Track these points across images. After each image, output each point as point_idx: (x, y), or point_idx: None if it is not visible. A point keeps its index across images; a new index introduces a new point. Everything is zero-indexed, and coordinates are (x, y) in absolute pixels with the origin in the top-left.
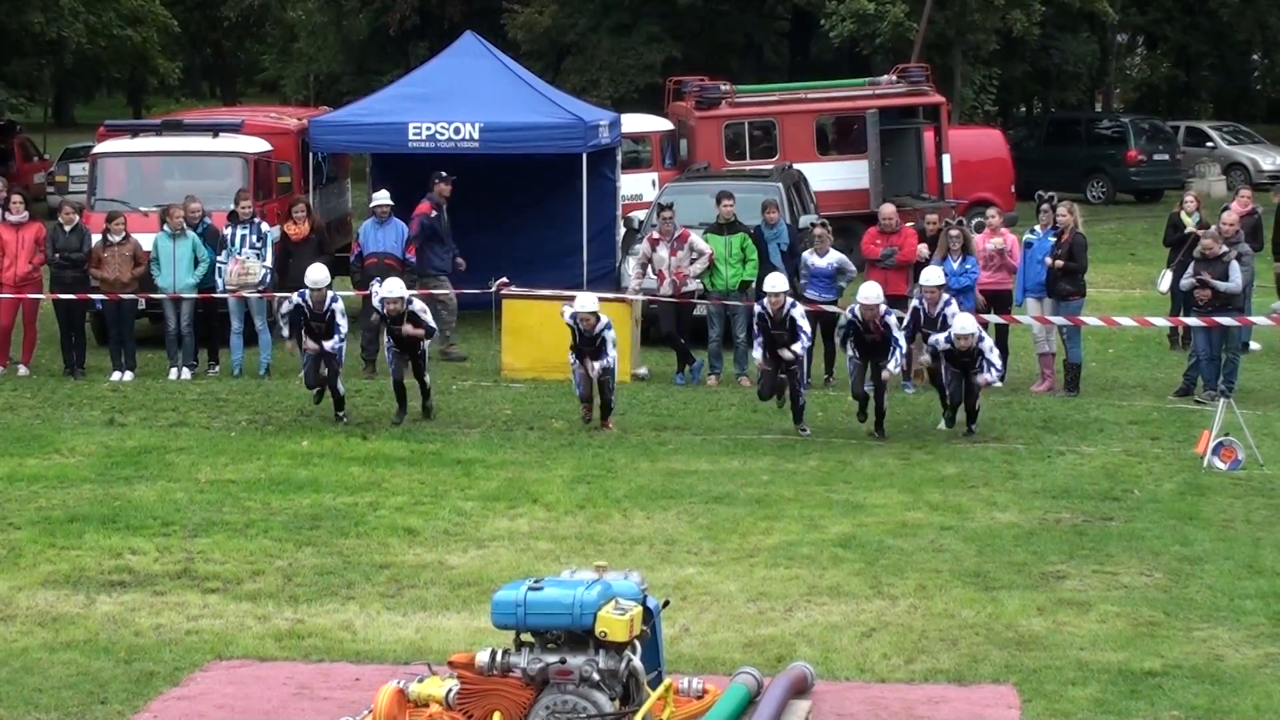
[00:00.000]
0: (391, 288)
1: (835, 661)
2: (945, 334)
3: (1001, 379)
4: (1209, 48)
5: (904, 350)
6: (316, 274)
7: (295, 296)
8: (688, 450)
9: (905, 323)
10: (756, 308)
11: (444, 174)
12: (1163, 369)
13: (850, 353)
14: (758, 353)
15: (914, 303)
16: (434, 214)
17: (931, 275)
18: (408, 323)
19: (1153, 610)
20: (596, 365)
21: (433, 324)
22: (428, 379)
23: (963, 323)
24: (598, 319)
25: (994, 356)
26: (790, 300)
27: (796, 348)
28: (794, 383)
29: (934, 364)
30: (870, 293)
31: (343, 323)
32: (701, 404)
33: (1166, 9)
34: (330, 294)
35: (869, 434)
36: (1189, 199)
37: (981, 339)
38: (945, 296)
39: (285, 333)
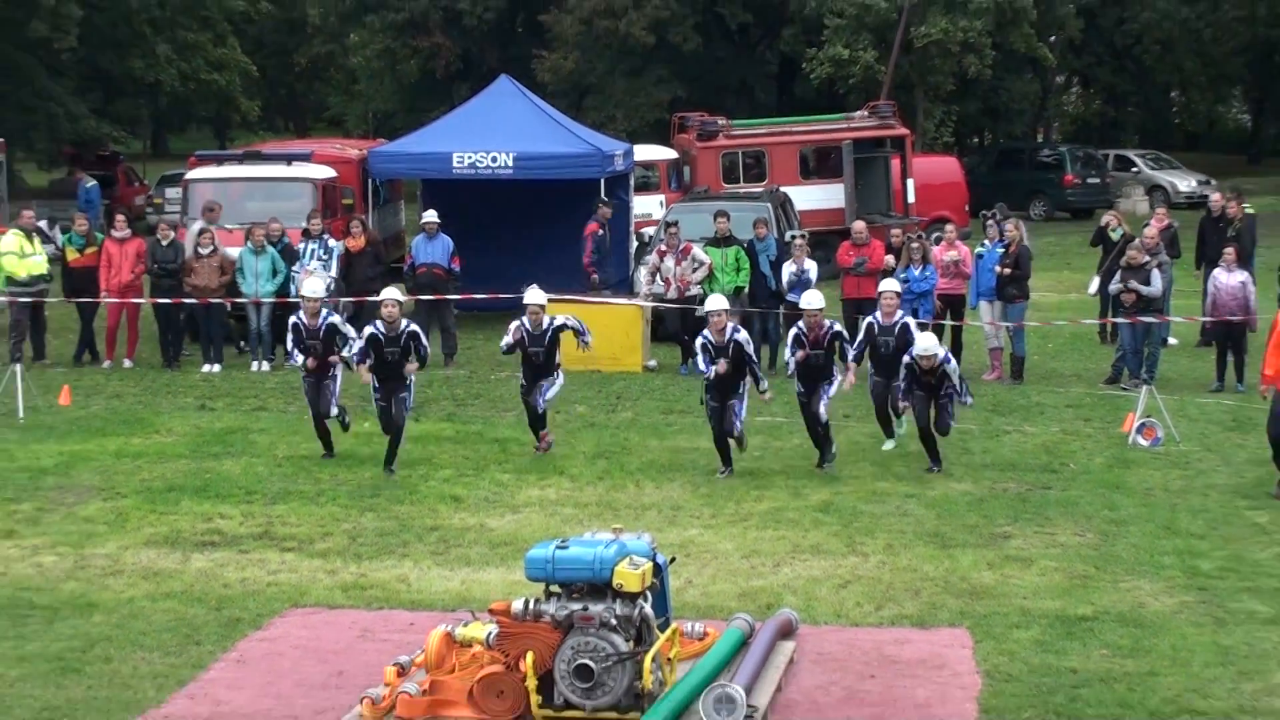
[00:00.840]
0: (313, 286)
1: (816, 609)
2: (912, 353)
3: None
4: (1134, 87)
5: (848, 373)
6: (310, 286)
7: (293, 317)
8: (691, 430)
9: (859, 339)
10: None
11: (605, 198)
12: (1094, 361)
13: (792, 369)
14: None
15: (868, 318)
16: (601, 232)
17: (888, 284)
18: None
19: (1085, 565)
20: (544, 385)
21: (425, 349)
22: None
23: (925, 343)
24: (543, 310)
25: (957, 379)
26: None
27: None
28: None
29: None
30: (812, 300)
31: (347, 331)
32: (701, 388)
33: (1098, 54)
34: (324, 311)
35: (815, 467)
36: (1111, 217)
37: (947, 360)
38: (900, 314)
39: (289, 347)
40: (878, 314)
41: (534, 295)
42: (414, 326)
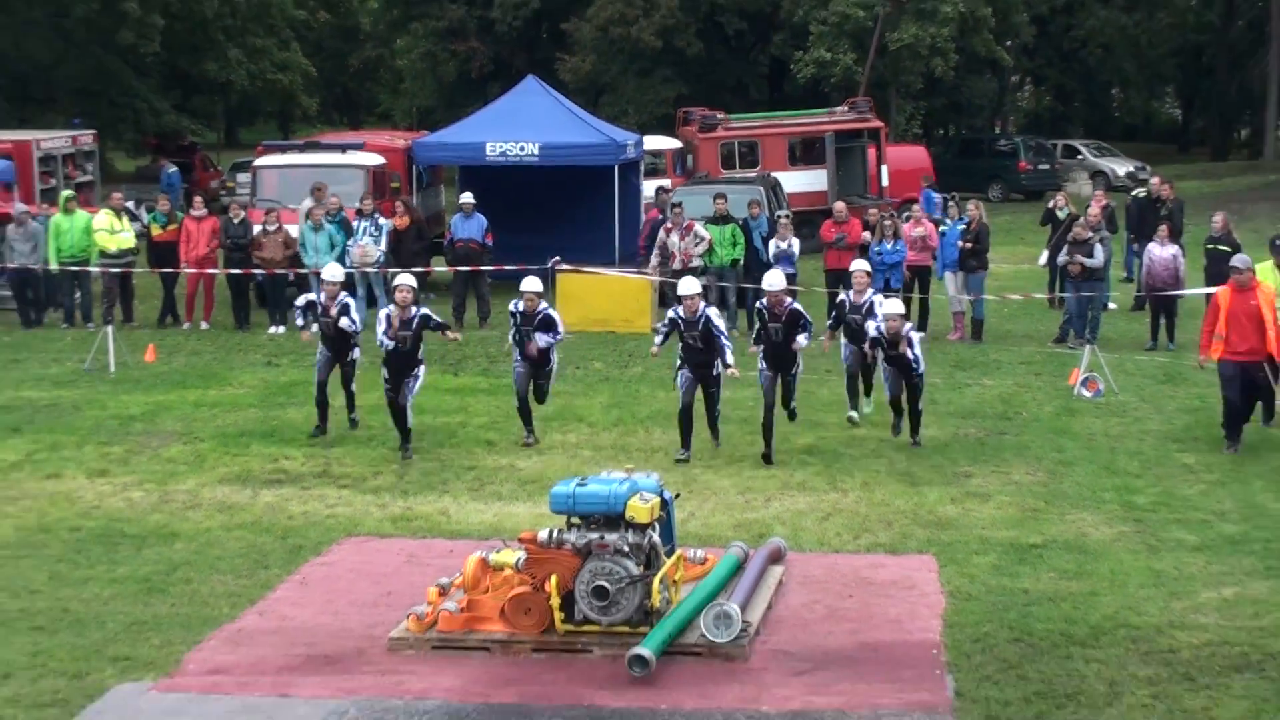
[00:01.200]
0: (333, 272)
1: (802, 538)
2: (878, 322)
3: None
4: (1079, 85)
5: (809, 332)
6: (331, 271)
7: (310, 295)
8: None
9: (833, 314)
10: (759, 304)
11: (665, 186)
12: (1044, 323)
13: (758, 348)
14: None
15: (841, 295)
16: (660, 217)
17: (859, 264)
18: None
19: (1035, 500)
20: (541, 339)
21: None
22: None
23: (891, 305)
24: (540, 300)
25: (919, 350)
26: (790, 300)
27: (801, 339)
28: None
29: (872, 356)
30: (773, 279)
31: (356, 319)
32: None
33: (1048, 56)
34: (343, 294)
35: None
36: (1059, 198)
37: (911, 328)
38: (870, 292)
39: (300, 322)
40: (849, 291)
41: (530, 283)
42: (424, 310)
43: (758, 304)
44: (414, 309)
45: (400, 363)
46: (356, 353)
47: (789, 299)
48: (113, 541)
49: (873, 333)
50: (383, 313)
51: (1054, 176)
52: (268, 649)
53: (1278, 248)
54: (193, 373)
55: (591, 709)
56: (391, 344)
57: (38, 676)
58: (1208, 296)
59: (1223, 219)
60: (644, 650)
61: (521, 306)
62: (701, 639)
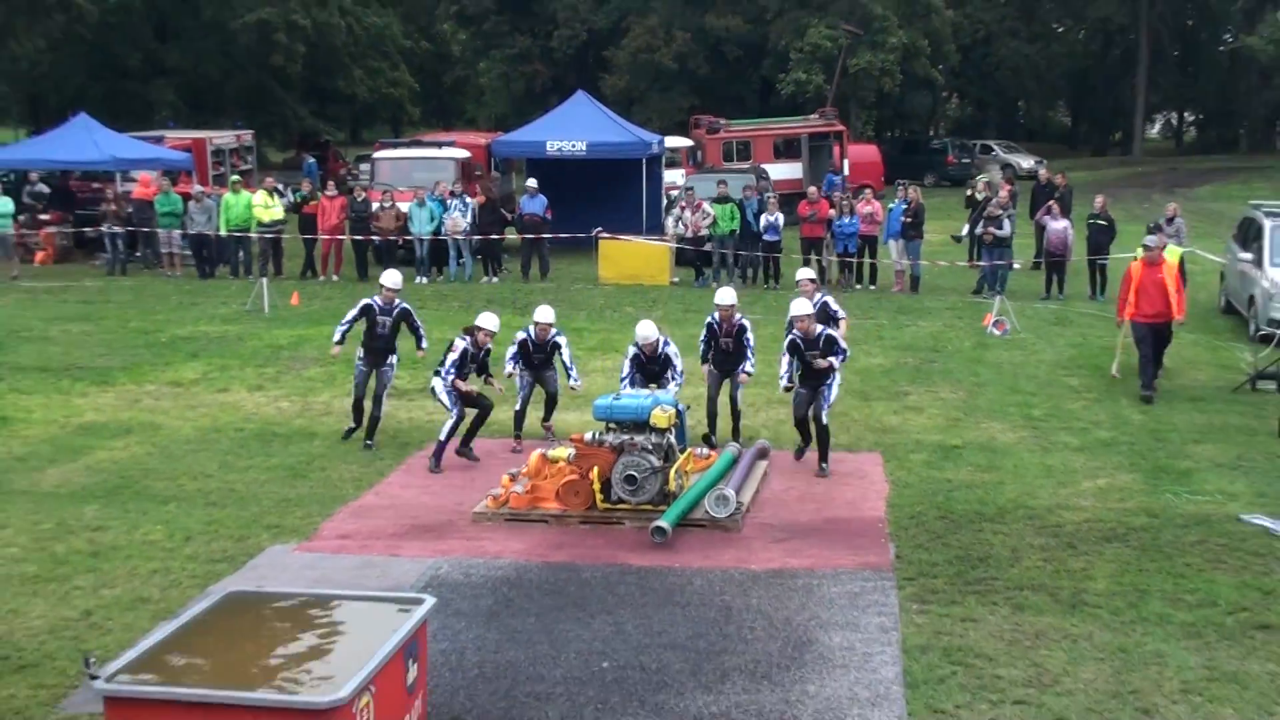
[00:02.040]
0: (392, 278)
1: (781, 439)
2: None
3: (842, 360)
4: (994, 98)
5: (752, 362)
6: (390, 278)
7: (364, 301)
8: (700, 323)
9: (785, 336)
10: (709, 318)
11: (765, 171)
12: (965, 278)
13: (708, 366)
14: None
15: (789, 335)
16: (755, 196)
17: (800, 308)
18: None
19: (957, 412)
20: (552, 382)
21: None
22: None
23: (797, 306)
24: (551, 328)
25: (844, 344)
26: (739, 316)
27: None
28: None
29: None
30: (724, 296)
31: (418, 323)
32: (706, 296)
33: (970, 76)
34: (399, 302)
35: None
36: (980, 184)
37: (830, 332)
38: (819, 328)
39: (336, 337)
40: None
41: (543, 314)
42: (406, 305)
43: (709, 318)
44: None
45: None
46: (393, 360)
47: (738, 315)
48: (267, 439)
49: (790, 338)
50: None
51: (973, 168)
52: (381, 520)
53: (1154, 229)
54: (326, 313)
55: (623, 566)
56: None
57: (211, 539)
58: (1090, 261)
59: (1101, 200)
60: (663, 522)
61: (534, 333)
62: (706, 515)
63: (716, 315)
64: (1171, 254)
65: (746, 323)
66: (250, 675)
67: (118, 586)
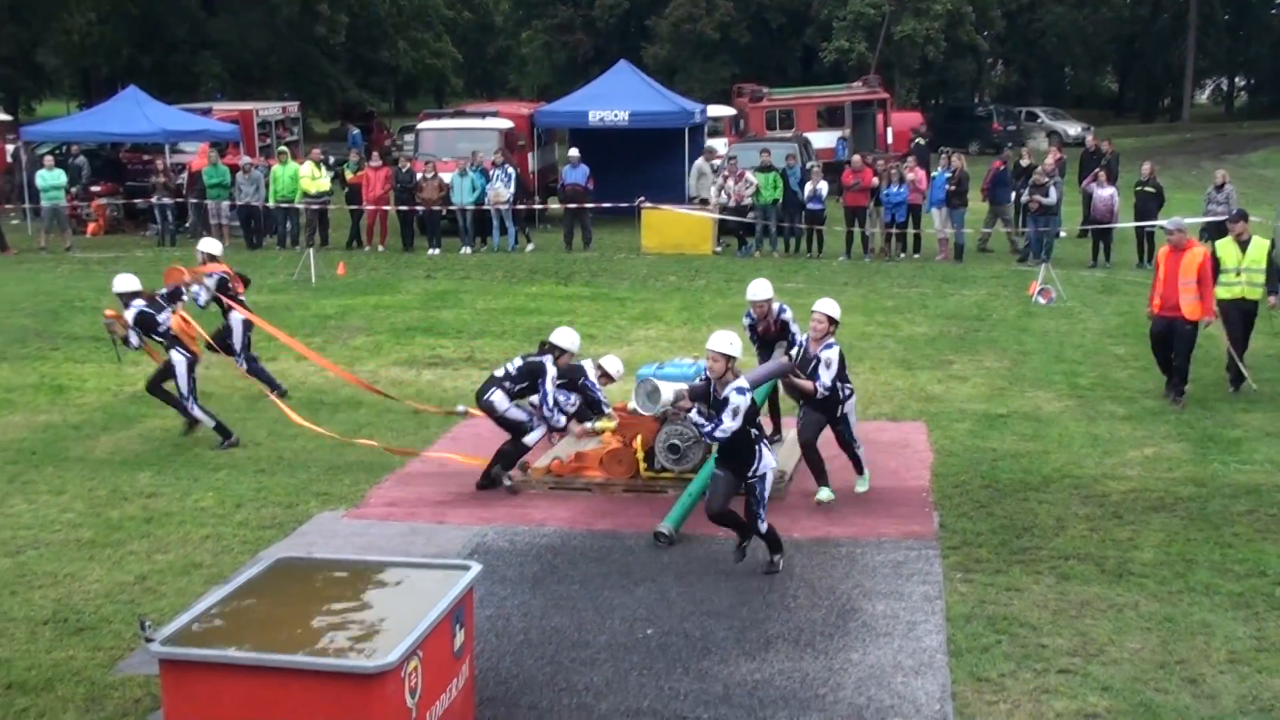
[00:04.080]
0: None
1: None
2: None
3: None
4: (1039, 65)
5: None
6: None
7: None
8: (743, 292)
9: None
10: (745, 315)
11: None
12: (1009, 247)
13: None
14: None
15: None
16: (1002, 167)
17: (821, 307)
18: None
19: (1002, 381)
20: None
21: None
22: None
23: (714, 340)
24: (571, 357)
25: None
26: (780, 305)
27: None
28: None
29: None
30: (757, 291)
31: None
32: (752, 266)
33: (1016, 42)
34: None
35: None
36: (1024, 151)
37: (782, 310)
38: (778, 305)
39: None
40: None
41: (566, 338)
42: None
43: (745, 316)
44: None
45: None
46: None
47: (776, 305)
48: (314, 407)
49: (821, 390)
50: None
51: (1019, 135)
52: (428, 487)
53: (1236, 216)
54: (372, 283)
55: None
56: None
57: (261, 505)
58: (1137, 228)
59: (1149, 167)
60: (664, 527)
61: (557, 367)
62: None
63: (752, 313)
64: (1226, 248)
65: (788, 315)
66: (300, 640)
67: (171, 552)
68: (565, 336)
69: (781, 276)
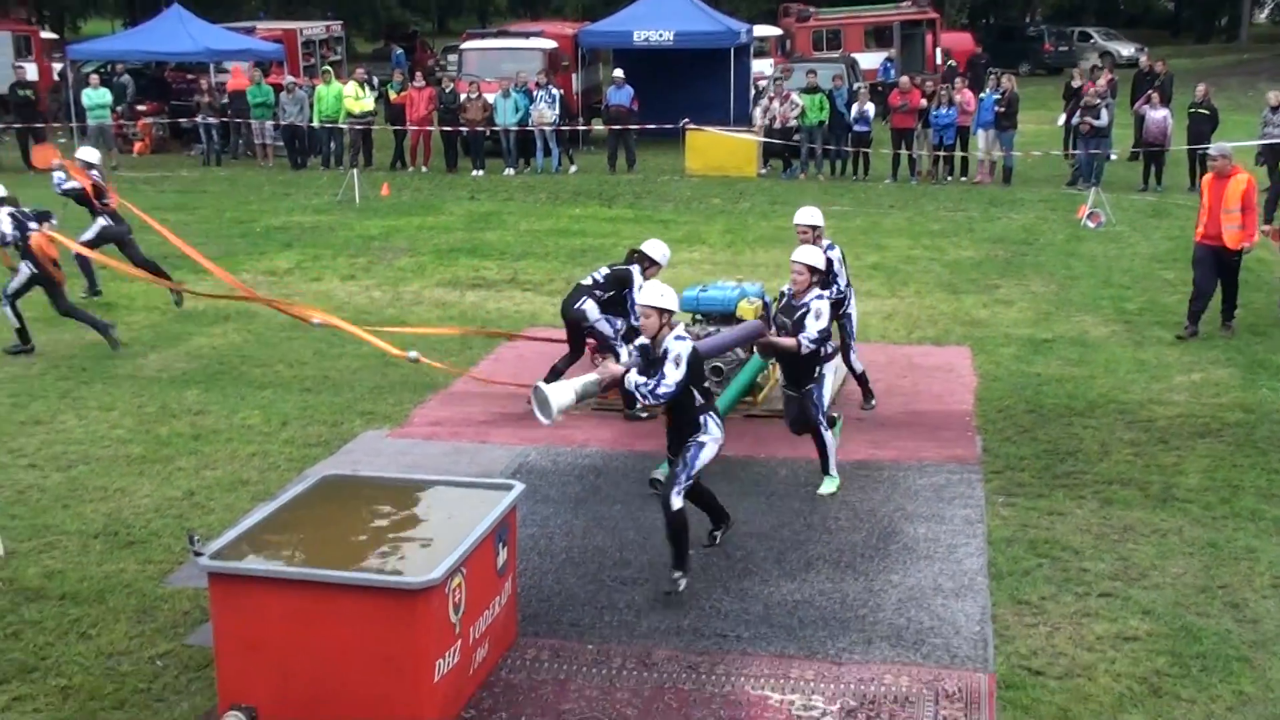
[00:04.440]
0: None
1: (869, 332)
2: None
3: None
4: None
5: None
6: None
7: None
8: (787, 215)
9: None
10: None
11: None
12: (1060, 169)
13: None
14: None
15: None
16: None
17: (801, 255)
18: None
19: (1048, 306)
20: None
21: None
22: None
23: (801, 214)
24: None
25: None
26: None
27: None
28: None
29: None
30: (804, 217)
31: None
32: (797, 189)
33: None
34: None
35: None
36: (1075, 73)
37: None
38: (813, 293)
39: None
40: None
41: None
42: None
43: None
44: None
45: None
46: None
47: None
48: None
49: (805, 345)
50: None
51: (1071, 56)
52: (472, 407)
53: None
54: (416, 204)
55: None
56: None
57: (307, 424)
58: (1189, 151)
59: (1204, 88)
60: (659, 473)
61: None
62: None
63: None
64: None
65: (836, 254)
66: (345, 555)
67: (218, 468)
68: (656, 248)
69: (827, 199)
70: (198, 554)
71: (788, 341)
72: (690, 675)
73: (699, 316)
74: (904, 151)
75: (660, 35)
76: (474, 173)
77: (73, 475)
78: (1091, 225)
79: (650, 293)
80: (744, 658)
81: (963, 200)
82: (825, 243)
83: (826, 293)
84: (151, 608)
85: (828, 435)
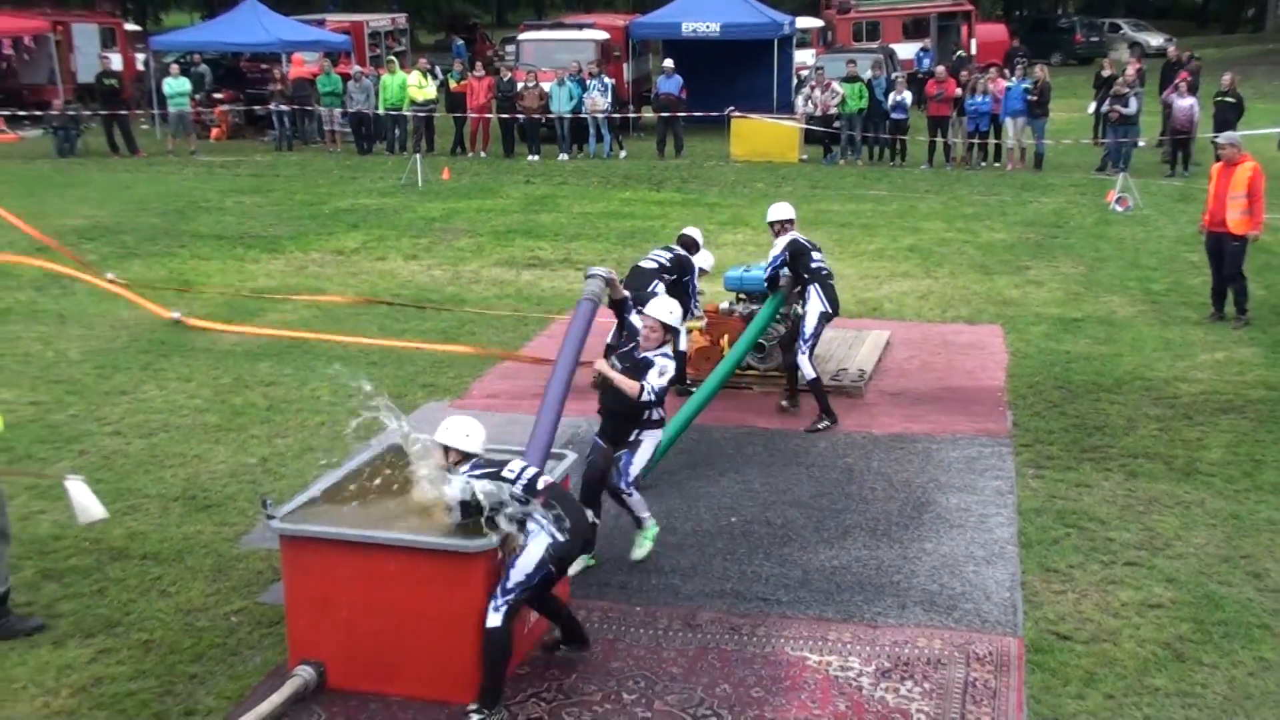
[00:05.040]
0: None
1: (904, 311)
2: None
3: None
4: None
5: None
6: None
7: None
8: (827, 199)
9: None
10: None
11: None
12: (1089, 155)
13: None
14: None
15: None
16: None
17: (653, 309)
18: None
19: (1077, 286)
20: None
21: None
22: None
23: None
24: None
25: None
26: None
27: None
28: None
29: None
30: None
31: None
32: (836, 173)
33: None
34: None
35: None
36: (1105, 63)
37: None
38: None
39: None
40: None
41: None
42: None
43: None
44: None
45: None
46: None
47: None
48: (423, 304)
49: (648, 391)
50: None
51: (1101, 46)
52: (527, 381)
53: None
54: (475, 187)
55: (751, 428)
56: None
57: (372, 395)
58: (1212, 140)
59: (1230, 77)
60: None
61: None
62: (832, 382)
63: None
64: None
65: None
66: (408, 519)
67: (289, 436)
68: (706, 259)
69: (865, 184)
70: (270, 517)
71: (629, 383)
72: (732, 636)
73: (742, 295)
74: (939, 138)
75: (708, 27)
76: (530, 158)
77: (154, 442)
78: (1120, 209)
79: (661, 309)
80: (784, 620)
81: (995, 185)
82: (789, 236)
83: (673, 359)
84: (227, 567)
85: (635, 497)
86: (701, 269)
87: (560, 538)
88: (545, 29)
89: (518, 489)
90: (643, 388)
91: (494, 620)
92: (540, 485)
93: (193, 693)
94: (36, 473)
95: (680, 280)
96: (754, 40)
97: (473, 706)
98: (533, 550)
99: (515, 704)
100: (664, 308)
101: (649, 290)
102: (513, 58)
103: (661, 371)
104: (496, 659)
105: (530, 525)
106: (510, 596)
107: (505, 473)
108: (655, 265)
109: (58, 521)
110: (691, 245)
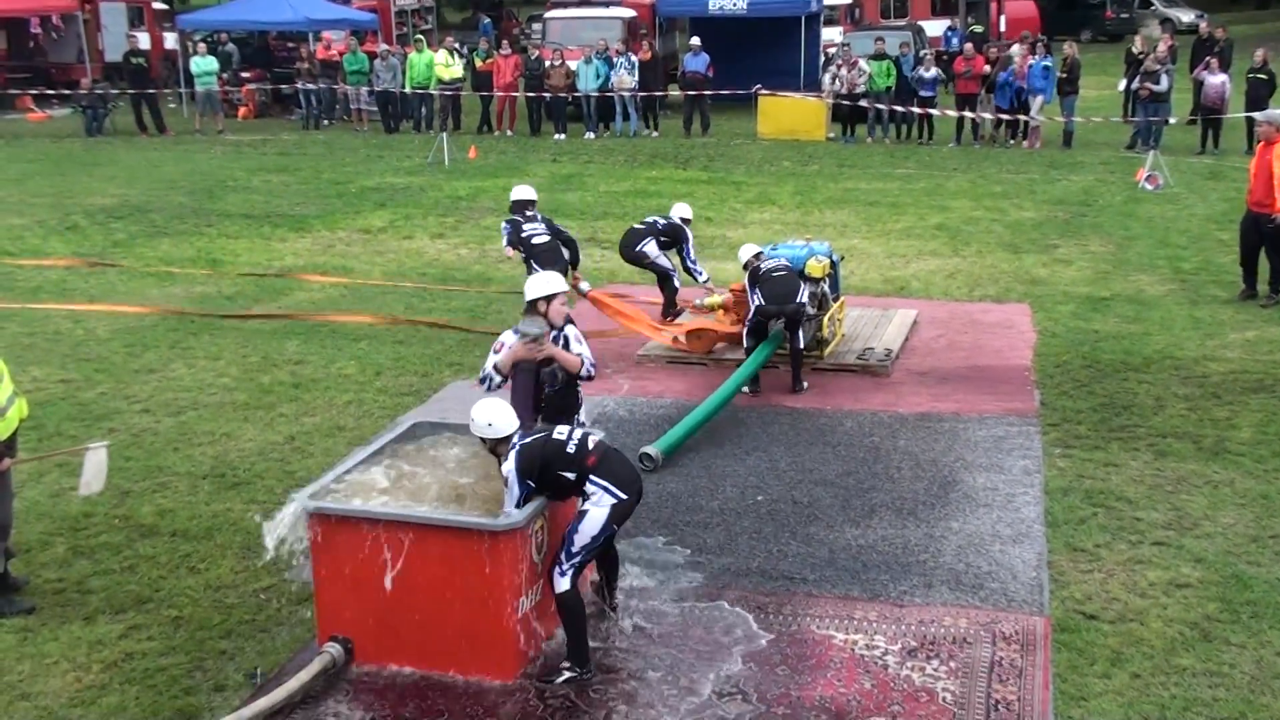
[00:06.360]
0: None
1: (931, 290)
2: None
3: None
4: None
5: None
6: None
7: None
8: (854, 177)
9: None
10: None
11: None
12: (1119, 133)
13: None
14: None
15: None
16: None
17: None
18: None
19: (1106, 265)
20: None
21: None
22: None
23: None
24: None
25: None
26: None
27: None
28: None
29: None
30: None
31: None
32: (862, 152)
33: None
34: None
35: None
36: (1137, 40)
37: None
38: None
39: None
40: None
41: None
42: None
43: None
44: None
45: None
46: None
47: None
48: (447, 283)
49: (587, 365)
50: None
51: (1132, 23)
52: None
53: None
54: (501, 166)
55: (777, 407)
56: None
57: (399, 374)
58: (1247, 116)
59: (1263, 54)
60: (652, 449)
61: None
62: (857, 361)
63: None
64: None
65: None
66: (435, 498)
67: (317, 415)
68: (685, 209)
69: (892, 162)
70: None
71: (570, 358)
72: (759, 615)
73: None
74: (968, 115)
75: (734, 4)
76: (556, 136)
77: (183, 420)
78: (1149, 187)
79: (538, 287)
80: (810, 599)
81: (1024, 163)
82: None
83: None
84: (256, 544)
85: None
86: (684, 218)
87: (622, 497)
88: (572, 7)
89: (571, 449)
90: (580, 360)
91: (562, 585)
92: (591, 445)
93: (222, 668)
94: (70, 450)
95: (672, 243)
96: (781, 18)
97: (565, 664)
98: (595, 515)
99: (542, 681)
100: (539, 285)
101: (637, 249)
102: (539, 36)
103: (577, 339)
104: (575, 619)
105: (589, 489)
106: (576, 560)
107: (555, 435)
108: (645, 226)
109: (88, 499)
110: (686, 220)
